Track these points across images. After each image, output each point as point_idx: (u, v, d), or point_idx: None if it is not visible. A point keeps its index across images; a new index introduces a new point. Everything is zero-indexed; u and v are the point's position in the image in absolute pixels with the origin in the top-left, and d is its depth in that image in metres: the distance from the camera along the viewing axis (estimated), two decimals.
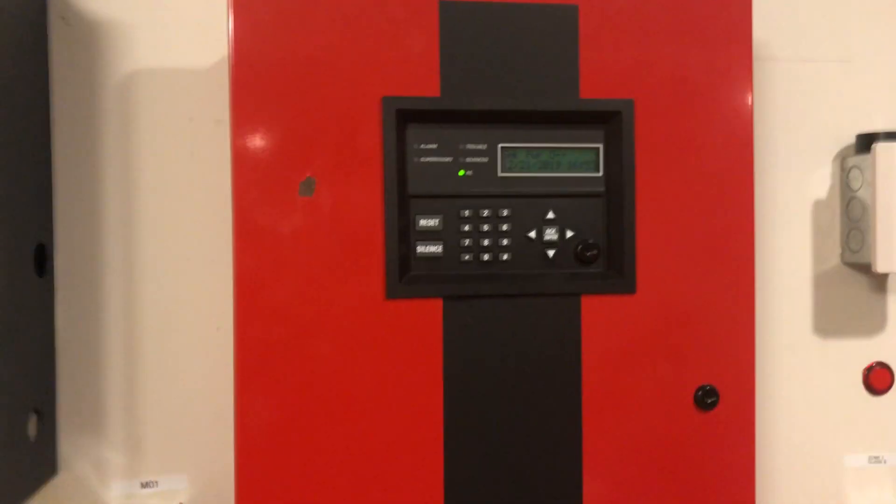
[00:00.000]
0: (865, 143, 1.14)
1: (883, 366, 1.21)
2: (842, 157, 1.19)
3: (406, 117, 0.95)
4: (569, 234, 0.99)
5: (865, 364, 1.21)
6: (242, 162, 0.91)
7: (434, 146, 0.97)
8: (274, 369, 0.92)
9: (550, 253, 0.99)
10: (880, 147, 1.09)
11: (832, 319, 1.20)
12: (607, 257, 1.00)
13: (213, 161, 1.08)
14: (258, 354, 0.92)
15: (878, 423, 1.21)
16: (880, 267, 1.09)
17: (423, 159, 0.96)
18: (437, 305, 0.95)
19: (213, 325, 1.09)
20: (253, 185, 0.92)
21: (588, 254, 0.99)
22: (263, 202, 0.92)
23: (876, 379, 1.20)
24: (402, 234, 0.95)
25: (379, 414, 0.94)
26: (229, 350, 0.93)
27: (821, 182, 1.19)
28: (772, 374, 1.19)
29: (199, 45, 1.09)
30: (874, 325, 1.21)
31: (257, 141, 0.91)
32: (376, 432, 0.94)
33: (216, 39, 1.08)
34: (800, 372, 1.20)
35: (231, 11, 0.91)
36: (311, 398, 0.93)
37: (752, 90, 1.01)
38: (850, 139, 1.19)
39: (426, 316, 0.95)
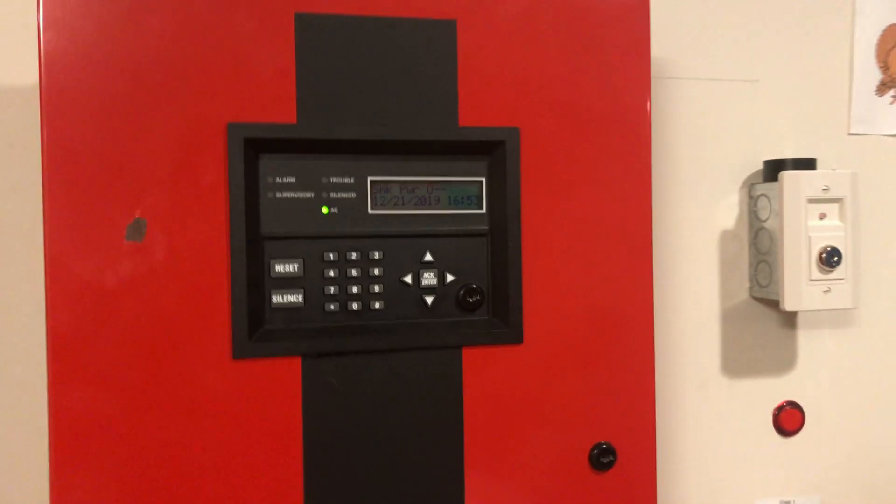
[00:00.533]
0: (773, 169, 1.07)
1: (793, 405, 1.14)
2: (749, 184, 1.11)
3: (257, 147, 0.82)
4: (449, 278, 0.88)
5: (775, 404, 1.14)
6: (55, 200, 0.77)
7: (292, 180, 0.84)
8: (96, 450, 0.78)
9: (429, 300, 0.87)
10: (787, 176, 1.01)
11: (741, 357, 1.12)
12: (492, 303, 0.89)
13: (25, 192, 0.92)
14: (76, 431, 0.77)
15: (789, 466, 1.14)
16: (788, 305, 1.01)
17: (279, 195, 0.83)
18: (295, 365, 0.82)
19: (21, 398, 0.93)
20: (69, 227, 0.77)
21: (471, 300, 0.88)
22: (82, 248, 0.77)
23: (786, 419, 1.13)
24: (254, 283, 0.82)
25: (226, 500, 0.81)
26: (42, 426, 0.79)
27: (728, 210, 1.11)
28: (677, 416, 1.10)
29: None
30: (784, 362, 1.14)
31: (74, 175, 0.77)
32: None
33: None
34: (707, 413, 1.12)
35: (41, 21, 0.76)
36: (141, 484, 0.78)
37: (649, 113, 0.91)
38: (758, 165, 1.11)
39: (282, 378, 0.82)
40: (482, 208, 0.88)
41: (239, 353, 0.80)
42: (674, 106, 1.09)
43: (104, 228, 0.78)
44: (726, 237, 1.12)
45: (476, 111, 0.86)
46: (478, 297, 0.88)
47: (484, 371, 0.87)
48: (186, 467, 0.79)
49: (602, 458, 0.89)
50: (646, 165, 0.92)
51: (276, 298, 0.83)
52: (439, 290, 0.87)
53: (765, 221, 1.08)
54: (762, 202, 1.08)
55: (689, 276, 1.11)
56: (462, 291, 0.87)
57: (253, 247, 0.81)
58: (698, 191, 1.10)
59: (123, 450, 0.78)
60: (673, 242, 1.10)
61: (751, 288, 1.12)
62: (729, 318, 1.12)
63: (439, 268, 0.87)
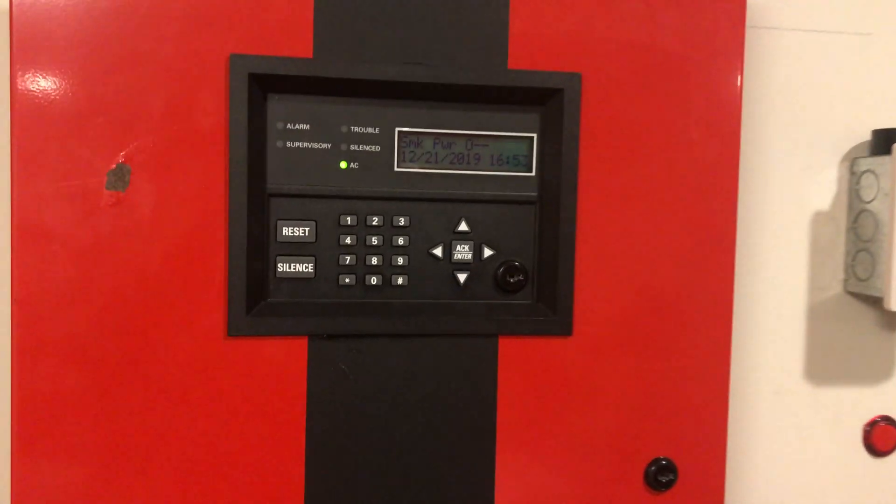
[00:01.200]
0: (884, 141, 0.89)
1: (889, 421, 0.97)
2: (852, 159, 0.94)
3: (265, 85, 0.68)
4: (487, 252, 0.73)
5: (868, 419, 0.97)
6: (24, 139, 0.65)
7: (305, 127, 0.70)
8: (65, 432, 0.66)
9: (462, 277, 0.73)
10: None
11: (829, 362, 0.96)
12: (537, 286, 0.74)
13: None
14: (43, 410, 0.66)
15: (880, 491, 0.98)
16: (893, 304, 0.84)
17: (289, 144, 0.70)
18: (300, 347, 0.69)
19: None
20: (39, 173, 0.65)
21: (512, 280, 0.73)
22: (54, 197, 0.65)
23: (879, 437, 0.97)
24: (256, 247, 0.69)
25: (216, 499, 0.69)
26: (5, 401, 0.68)
27: (824, 189, 0.94)
28: (748, 428, 0.94)
29: None
30: (881, 371, 0.97)
31: (47, 110, 0.65)
32: None
33: None
34: (784, 426, 0.95)
35: None
36: (114, 476, 0.67)
37: (742, 68, 0.75)
38: (865, 135, 0.93)
39: (284, 362, 0.69)
40: (531, 170, 0.74)
41: (234, 329, 0.68)
42: (767, 61, 0.92)
43: (81, 174, 0.65)
44: (820, 220, 0.94)
45: (529, 51, 0.71)
46: (520, 278, 0.73)
47: (524, 366, 0.73)
48: (166, 460, 0.68)
49: (660, 476, 0.75)
50: (734, 130, 0.76)
51: (282, 267, 0.70)
52: (475, 266, 0.73)
53: (869, 203, 0.90)
54: (867, 179, 0.91)
55: (772, 264, 0.94)
56: (502, 269, 0.73)
57: (256, 205, 0.69)
58: (789, 163, 0.93)
59: (96, 436, 0.67)
60: (755, 223, 0.93)
61: (846, 281, 0.95)
62: (817, 315, 0.95)
63: (476, 240, 0.73)
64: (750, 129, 0.91)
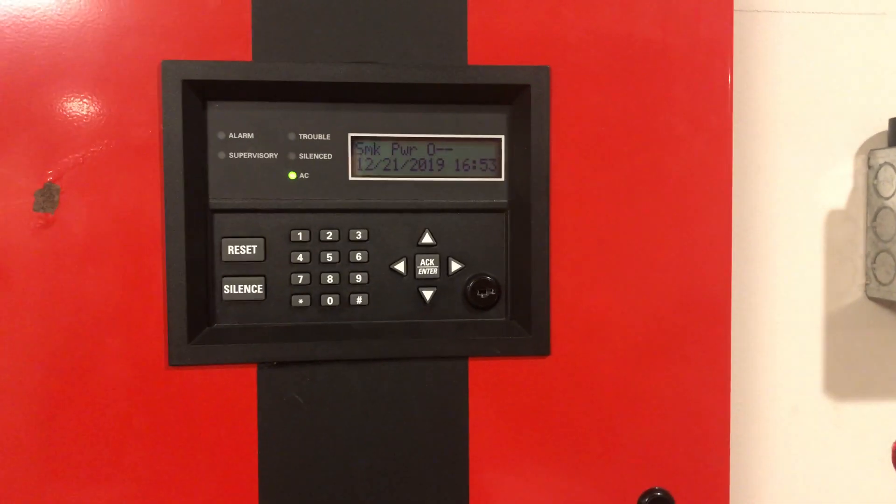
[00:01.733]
0: None
1: None
2: (869, 151, 0.85)
3: (202, 92, 0.63)
4: (454, 266, 0.67)
5: None
6: None
7: (249, 136, 0.65)
8: (10, 467, 0.61)
9: (427, 294, 0.67)
10: None
11: (850, 374, 0.87)
12: (510, 301, 0.67)
13: None
14: None
15: None
16: None
17: (232, 155, 0.65)
18: (248, 376, 0.64)
19: None
20: None
21: (482, 296, 0.67)
22: None
23: None
24: (198, 268, 0.63)
25: None
26: None
27: (838, 185, 0.86)
28: (762, 449, 0.86)
29: None
30: None
31: None
32: None
33: None
34: (803, 446, 0.87)
35: None
36: None
37: (731, 56, 0.67)
38: (882, 125, 0.85)
39: (232, 392, 0.64)
40: (500, 175, 0.67)
41: (176, 358, 0.62)
42: (770, 48, 0.84)
43: (4, 195, 0.61)
44: (835, 219, 0.86)
45: (491, 44, 0.65)
46: (492, 293, 0.67)
47: (497, 390, 0.66)
48: (107, 499, 0.62)
49: None
50: (724, 123, 0.68)
51: (229, 289, 0.65)
52: (441, 281, 0.67)
53: (889, 199, 0.82)
54: (886, 173, 0.82)
55: (784, 270, 0.86)
56: (471, 285, 0.67)
57: (197, 221, 0.63)
58: (800, 158, 0.85)
59: (32, 474, 0.62)
60: (764, 225, 0.85)
61: (867, 285, 0.86)
62: (836, 324, 0.87)
63: (442, 253, 0.67)
64: (753, 123, 0.84)
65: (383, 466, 0.65)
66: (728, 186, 0.68)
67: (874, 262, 0.85)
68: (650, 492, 0.67)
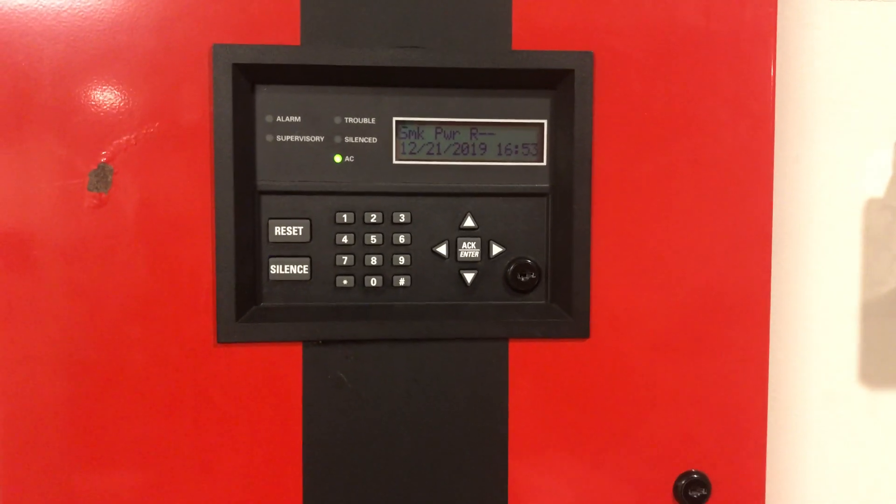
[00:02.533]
0: None
1: None
2: None
3: (251, 75, 0.64)
4: (496, 249, 0.68)
5: None
6: (1, 142, 0.62)
7: (296, 119, 0.66)
8: (50, 442, 0.63)
9: (468, 277, 0.68)
10: None
11: (887, 363, 0.87)
12: (550, 285, 0.68)
13: None
14: (28, 420, 0.63)
15: None
16: None
17: (279, 138, 0.66)
18: (294, 354, 0.65)
19: None
20: (17, 175, 0.62)
21: (523, 279, 0.68)
22: (27, 199, 0.62)
23: None
24: (246, 248, 0.65)
25: None
26: None
27: (877, 173, 0.85)
28: (799, 439, 0.86)
29: None
30: None
31: (21, 108, 0.62)
32: None
33: None
34: (837, 435, 0.87)
35: None
36: (102, 483, 0.64)
37: (774, 42, 0.68)
38: None
39: (278, 370, 0.65)
40: (542, 160, 0.68)
41: (224, 336, 0.64)
42: (811, 34, 0.83)
43: (61, 175, 0.62)
44: (873, 208, 0.86)
45: (536, 30, 0.65)
46: (532, 276, 0.67)
47: (537, 371, 0.67)
48: (156, 473, 0.64)
49: (691, 491, 0.68)
50: (767, 110, 0.68)
51: (275, 269, 0.66)
52: (482, 265, 0.68)
53: None
54: None
55: (821, 257, 0.86)
56: (512, 268, 0.68)
57: (245, 203, 0.64)
58: (838, 146, 0.85)
59: (82, 447, 0.64)
60: (801, 213, 0.85)
61: None
62: (873, 313, 0.86)
63: (483, 236, 0.68)
64: (793, 110, 0.84)
65: (425, 445, 0.66)
66: (769, 174, 0.68)
67: None
68: (687, 474, 0.68)
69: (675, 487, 0.68)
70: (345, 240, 0.67)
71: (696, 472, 0.68)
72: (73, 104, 0.62)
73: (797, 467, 0.86)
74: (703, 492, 0.68)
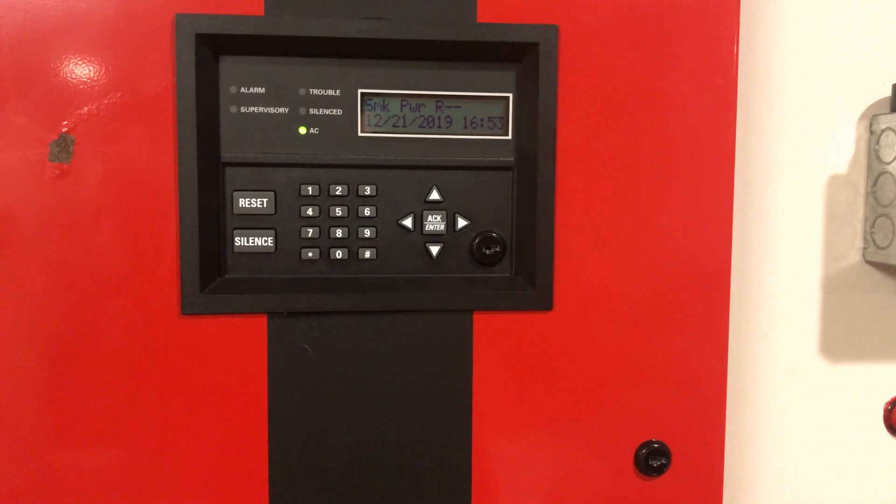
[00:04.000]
0: None
1: None
2: (871, 116, 0.86)
3: (214, 45, 0.64)
4: (461, 222, 0.68)
5: (889, 397, 0.90)
6: None
7: (260, 90, 0.66)
8: (12, 416, 0.63)
9: (434, 250, 0.68)
10: None
11: (846, 336, 0.89)
12: (515, 258, 0.69)
13: None
14: None
15: None
16: None
17: (243, 109, 0.66)
18: (259, 326, 0.65)
19: None
20: None
21: (488, 252, 0.68)
22: None
23: None
24: (210, 220, 0.65)
25: (170, 491, 0.65)
26: None
27: (839, 149, 0.87)
28: (758, 409, 0.88)
29: None
30: None
31: None
32: None
33: None
34: (799, 407, 0.89)
35: None
36: (64, 455, 0.64)
37: (738, 15, 0.68)
38: (885, 90, 0.86)
39: (243, 341, 0.65)
40: (507, 133, 0.68)
41: (189, 307, 0.64)
42: (775, 10, 0.84)
43: (21, 145, 0.62)
44: (836, 184, 0.87)
45: (501, 2, 0.65)
46: (497, 249, 0.68)
47: (501, 343, 0.68)
48: (119, 445, 0.64)
49: (651, 460, 0.69)
50: (730, 84, 0.69)
51: (240, 241, 0.66)
52: (448, 238, 0.68)
53: (889, 164, 0.83)
54: (888, 139, 0.83)
55: (784, 232, 0.87)
56: (477, 241, 0.68)
57: (209, 174, 0.64)
58: (800, 122, 0.86)
59: (45, 420, 0.63)
60: (765, 188, 0.86)
61: (865, 249, 0.88)
62: (834, 287, 0.88)
63: (449, 209, 0.68)
64: (756, 85, 0.84)
65: (390, 415, 0.67)
66: (731, 149, 0.69)
67: (873, 226, 0.86)
68: (648, 443, 0.69)
69: (636, 457, 0.70)
70: (310, 212, 0.67)
71: (657, 442, 0.70)
72: (33, 73, 0.61)
73: (758, 438, 0.88)
74: (664, 461, 0.69)
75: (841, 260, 0.88)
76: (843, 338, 0.89)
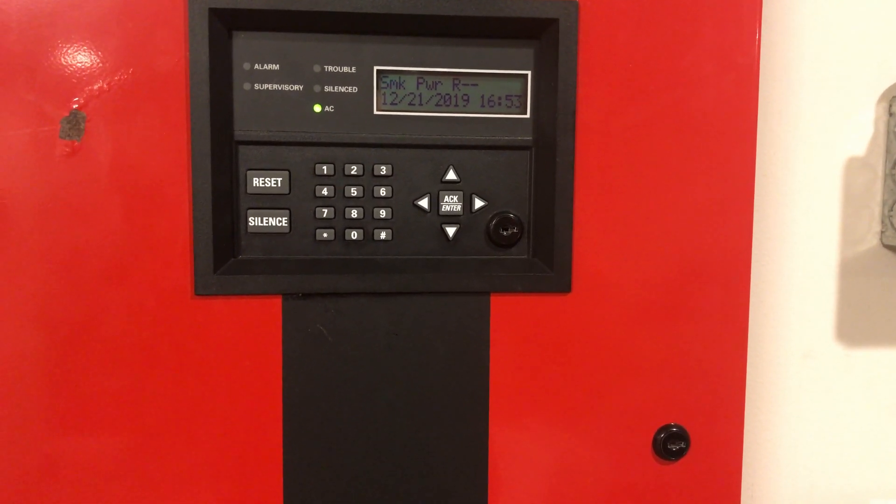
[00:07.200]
0: None
1: None
2: (891, 98, 0.85)
3: (228, 21, 0.62)
4: (478, 203, 0.67)
5: None
6: None
7: (274, 67, 0.64)
8: (23, 396, 0.62)
9: (450, 231, 0.67)
10: None
11: (863, 321, 0.88)
12: (532, 239, 0.68)
13: None
14: None
15: None
16: None
17: (257, 86, 0.64)
18: (274, 307, 0.64)
19: None
20: None
21: (505, 233, 0.67)
22: (2, 148, 0.60)
23: None
24: (224, 200, 0.64)
25: (181, 473, 0.64)
26: None
27: (858, 132, 0.85)
28: (772, 393, 0.87)
29: None
30: None
31: None
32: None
33: None
34: (814, 391, 0.88)
35: None
36: (75, 437, 0.63)
37: None
38: None
39: (257, 323, 0.64)
40: (525, 112, 0.67)
41: (202, 288, 0.63)
42: None
43: (31, 122, 0.60)
44: (854, 166, 0.86)
45: None
46: (514, 230, 0.67)
47: (518, 325, 0.67)
48: (131, 427, 0.63)
49: (670, 444, 0.68)
50: (752, 64, 0.68)
51: (254, 221, 0.65)
52: (465, 218, 0.67)
53: None
54: None
55: (801, 216, 0.86)
56: (494, 222, 0.67)
57: (222, 153, 0.63)
58: (818, 104, 0.85)
59: (56, 401, 0.63)
60: (782, 170, 0.85)
61: (883, 233, 0.86)
62: (850, 271, 0.87)
63: (466, 189, 0.67)
64: (774, 66, 0.83)
65: (405, 398, 0.66)
66: (753, 128, 0.68)
67: (891, 209, 0.85)
68: (666, 427, 0.69)
69: (655, 441, 0.69)
70: (325, 192, 0.65)
71: (676, 426, 0.69)
72: (43, 49, 0.60)
73: (773, 423, 0.88)
74: (682, 445, 0.69)
75: (858, 244, 0.87)
76: (860, 323, 0.88)
